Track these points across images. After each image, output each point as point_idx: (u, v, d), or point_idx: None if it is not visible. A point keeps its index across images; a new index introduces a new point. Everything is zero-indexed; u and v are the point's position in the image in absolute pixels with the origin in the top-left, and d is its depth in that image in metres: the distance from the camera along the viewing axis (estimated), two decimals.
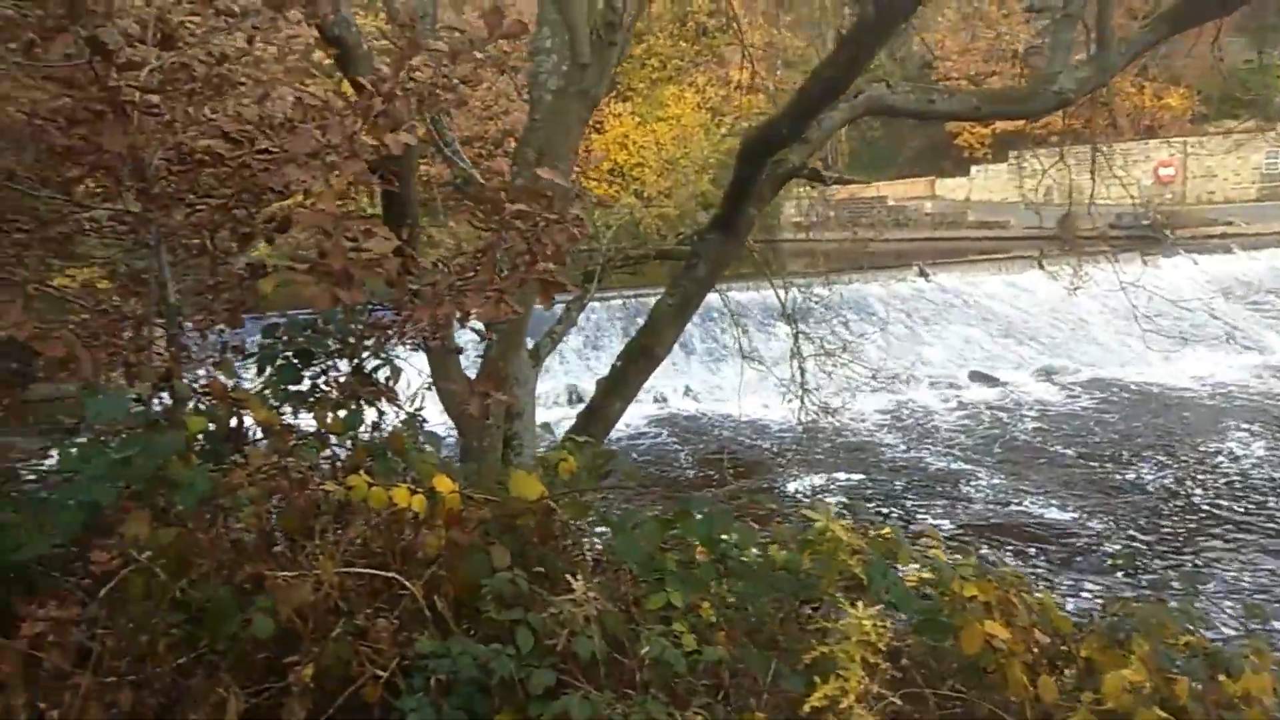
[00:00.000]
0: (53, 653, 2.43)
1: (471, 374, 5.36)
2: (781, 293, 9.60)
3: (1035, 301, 23.98)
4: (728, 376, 18.05)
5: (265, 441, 3.17)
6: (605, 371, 6.67)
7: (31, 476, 3.26)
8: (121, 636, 2.43)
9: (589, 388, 15.58)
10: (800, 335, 9.19)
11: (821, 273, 13.21)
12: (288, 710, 2.31)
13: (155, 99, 2.99)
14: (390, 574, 2.69)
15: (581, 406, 10.84)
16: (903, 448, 15.52)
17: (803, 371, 9.03)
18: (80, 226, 3.85)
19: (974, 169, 45.99)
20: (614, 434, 6.92)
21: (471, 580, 2.81)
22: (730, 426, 16.50)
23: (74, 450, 2.96)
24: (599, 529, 3.34)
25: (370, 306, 3.68)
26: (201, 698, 2.44)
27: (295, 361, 3.53)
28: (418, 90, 3.32)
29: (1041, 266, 24.75)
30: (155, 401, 3.06)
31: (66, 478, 3.07)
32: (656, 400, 17.23)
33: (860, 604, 2.51)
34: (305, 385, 3.48)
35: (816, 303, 10.55)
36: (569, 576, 2.62)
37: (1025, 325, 23.32)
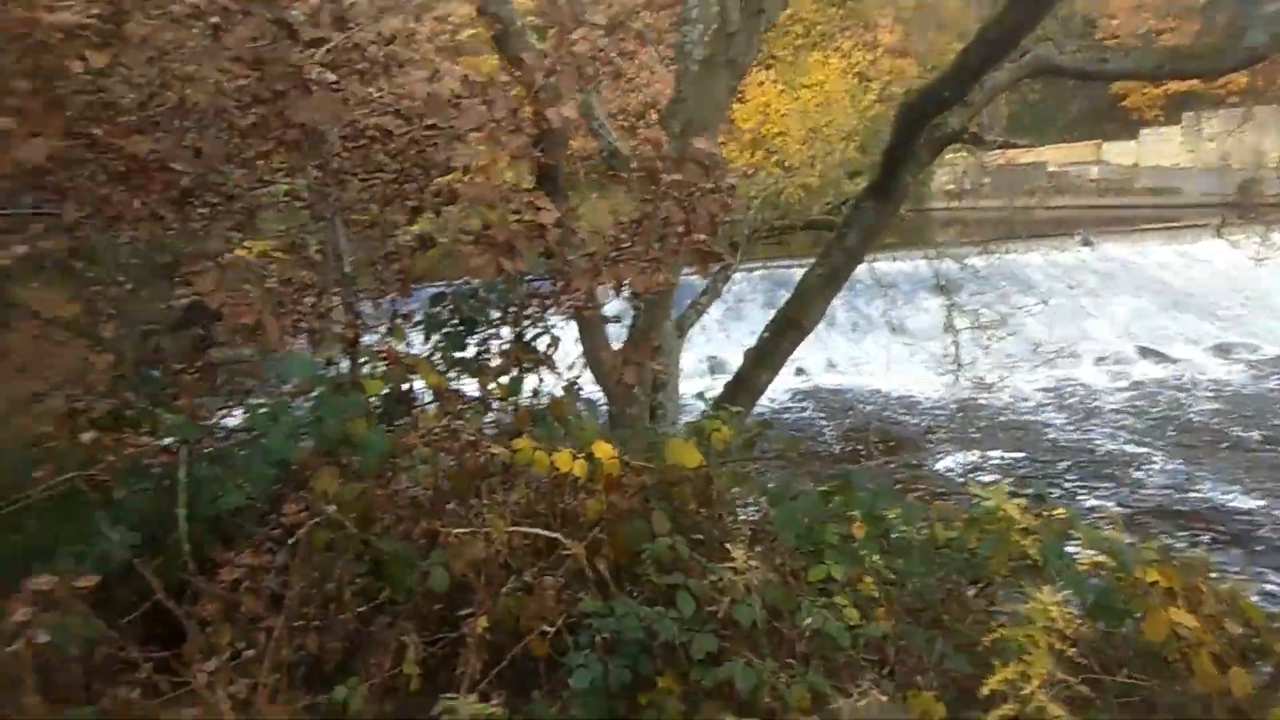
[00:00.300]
0: (248, 597, 2.63)
1: (613, 344, 5.43)
2: (934, 263, 9.27)
3: (1212, 272, 22.21)
4: (871, 349, 17.60)
5: (434, 405, 3.32)
6: (746, 342, 6.63)
7: (222, 434, 3.51)
8: (310, 585, 2.59)
9: (729, 358, 15.52)
10: (954, 308, 8.85)
11: (976, 242, 12.64)
12: (464, 660, 2.42)
13: (333, 77, 3.14)
14: (554, 535, 2.77)
15: (721, 377, 10.79)
16: (1065, 427, 14.72)
17: (956, 346, 8.70)
18: (261, 201, 4.10)
19: (1143, 132, 42.87)
20: (755, 405, 6.86)
21: (631, 544, 2.86)
22: (875, 400, 16.10)
23: (264, 411, 3.17)
24: (750, 499, 3.34)
25: (529, 277, 3.77)
26: (382, 644, 2.59)
27: (460, 329, 3.67)
28: (577, 64, 3.36)
29: (1220, 235, 22.91)
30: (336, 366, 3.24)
31: (257, 435, 3.30)
32: (798, 372, 17.01)
33: (1045, 588, 2.40)
34: (470, 352, 3.62)
35: (971, 274, 10.11)
36: (728, 545, 2.62)
37: (1200, 298, 21.65)
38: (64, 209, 3.10)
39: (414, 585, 2.64)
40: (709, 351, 17.32)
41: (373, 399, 3.17)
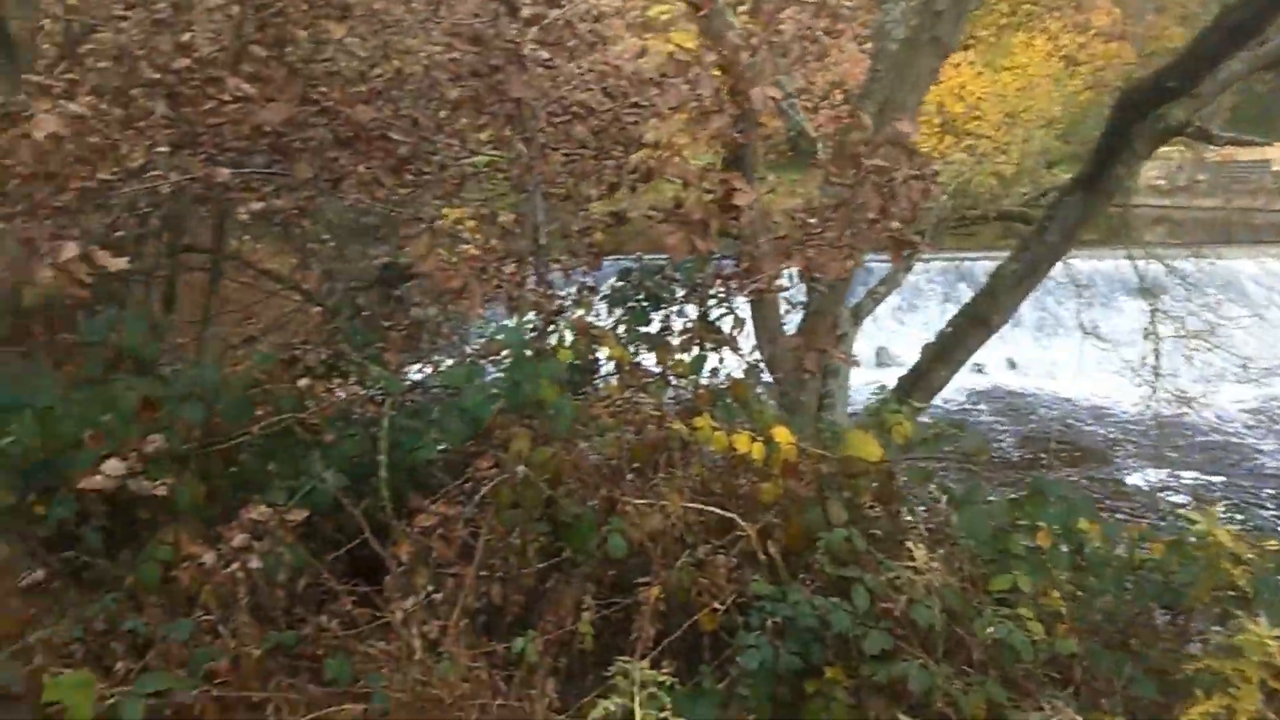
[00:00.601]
0: (440, 544, 2.79)
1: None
2: (1137, 264, 8.62)
3: None
4: (1057, 352, 16.61)
5: (616, 377, 3.40)
6: (919, 336, 6.40)
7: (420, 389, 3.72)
8: (497, 538, 2.73)
9: (899, 351, 15.03)
10: (1157, 313, 8.22)
11: (1186, 244, 11.65)
12: (638, 626, 2.48)
13: (545, 54, 3.25)
14: (729, 515, 2.79)
15: (890, 370, 10.43)
16: (1273, 452, 13.44)
17: (1157, 354, 8.08)
18: (467, 171, 4.30)
19: None
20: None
21: (805, 532, 2.84)
22: (1059, 406, 15.20)
23: (460, 371, 3.35)
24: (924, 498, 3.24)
25: (716, 256, 3.79)
26: (559, 601, 2.69)
27: (645, 305, 3.73)
28: (782, 44, 3.33)
29: None
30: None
31: (452, 393, 3.49)
32: (977, 370, 16.29)
33: (1261, 620, 2.23)
34: (653, 328, 3.68)
35: (1178, 278, 9.35)
36: (909, 544, 2.56)
37: None
38: (296, 169, 3.35)
39: (592, 549, 2.73)
40: (879, 343, 16.85)
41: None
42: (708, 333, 3.52)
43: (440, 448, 3.17)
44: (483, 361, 3.63)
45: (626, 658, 2.40)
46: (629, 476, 2.97)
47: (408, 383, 3.43)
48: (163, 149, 3.06)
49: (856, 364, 4.74)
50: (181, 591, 2.87)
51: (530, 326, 3.30)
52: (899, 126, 3.46)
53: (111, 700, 2.36)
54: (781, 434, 2.95)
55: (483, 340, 3.82)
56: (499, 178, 4.32)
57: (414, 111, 3.89)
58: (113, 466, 2.86)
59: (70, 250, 2.59)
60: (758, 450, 2.91)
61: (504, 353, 3.56)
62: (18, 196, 3.68)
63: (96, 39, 5.45)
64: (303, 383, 3.36)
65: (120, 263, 2.71)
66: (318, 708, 2.45)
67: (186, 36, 3.49)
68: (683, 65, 3.25)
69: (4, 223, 3.42)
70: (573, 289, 3.99)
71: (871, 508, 3.03)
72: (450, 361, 4.02)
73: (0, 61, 6.20)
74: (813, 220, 3.52)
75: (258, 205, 3.34)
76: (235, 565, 2.76)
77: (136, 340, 3.42)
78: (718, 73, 3.36)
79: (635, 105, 3.43)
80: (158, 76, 3.69)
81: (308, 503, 3.06)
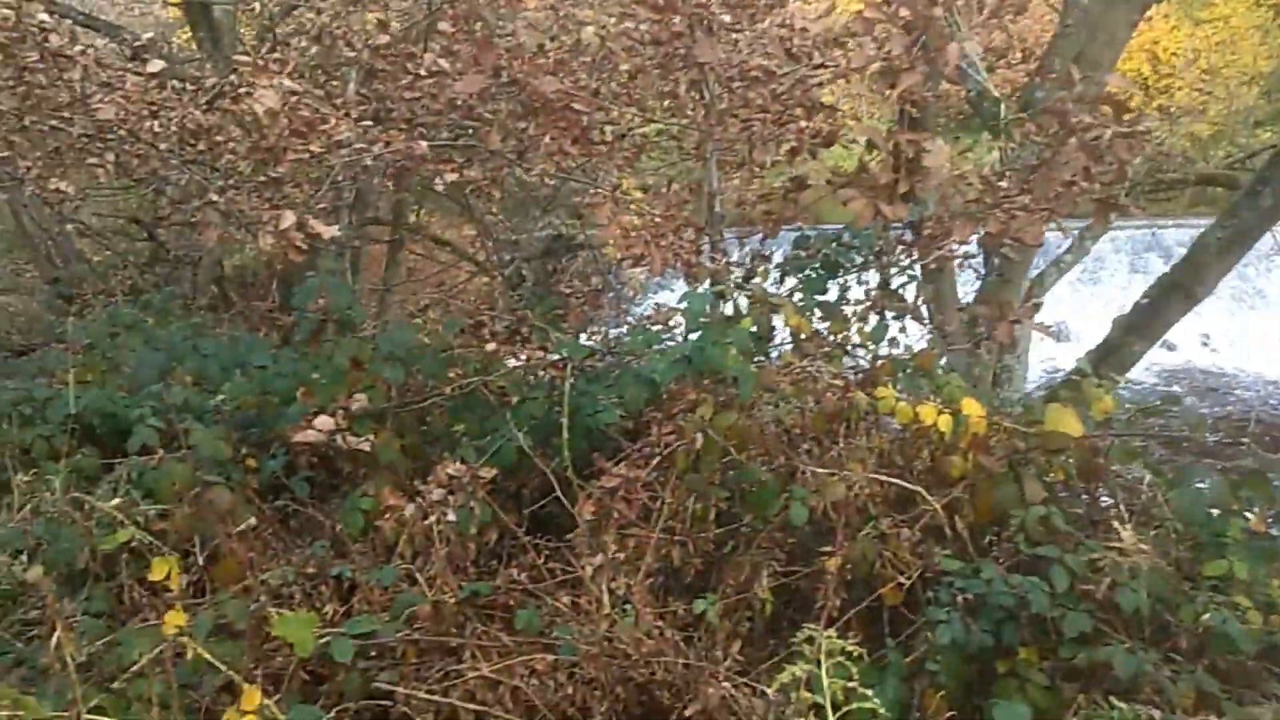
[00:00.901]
0: (622, 505, 2.86)
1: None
2: None
3: None
4: (1259, 328, 15.27)
5: (793, 345, 3.36)
6: (1102, 309, 6.00)
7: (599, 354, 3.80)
8: (678, 501, 2.76)
9: (1079, 326, 14.17)
10: None
11: None
12: (822, 595, 2.47)
13: (728, 18, 3.22)
14: (914, 488, 2.72)
15: (1068, 346, 9.82)
16: None
17: None
18: (643, 141, 4.34)
19: None
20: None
21: (994, 508, 2.74)
22: (1259, 387, 13.98)
23: (642, 337, 3.40)
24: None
25: (896, 224, 3.68)
26: (738, 566, 2.71)
27: (822, 273, 3.67)
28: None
29: None
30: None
31: (628, 358, 3.55)
32: (1167, 347, 15.15)
33: None
34: (831, 296, 3.61)
35: None
36: (1115, 524, 2.43)
37: None
38: (487, 140, 3.46)
39: (771, 516, 2.72)
40: (1057, 315, 15.94)
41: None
42: (890, 300, 3.43)
43: (620, 412, 3.24)
44: (656, 328, 3.68)
45: (809, 625, 2.39)
46: (807, 446, 2.95)
47: (588, 348, 3.51)
48: (366, 123, 3.22)
49: (1055, 336, 4.49)
50: (381, 540, 3.07)
51: (719, 295, 3.31)
52: (1106, 81, 3.25)
53: (323, 640, 2.54)
54: (971, 406, 2.85)
55: (656, 308, 3.87)
56: (671, 146, 4.34)
57: (594, 81, 3.95)
58: (324, 422, 3.07)
59: (289, 219, 2.78)
60: (944, 423, 2.82)
61: (675, 320, 3.60)
62: (227, 171, 3.98)
63: (296, 19, 5.80)
64: (489, 347, 3.50)
65: (333, 230, 2.89)
66: (509, 655, 2.56)
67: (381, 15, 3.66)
68: (870, 23, 3.14)
69: (217, 195, 3.71)
70: (744, 257, 3.98)
71: (1067, 485, 2.89)
72: (618, 330, 4.10)
73: (207, 45, 6.70)
74: (1003, 183, 3.36)
75: (452, 176, 3.49)
76: (433, 518, 2.92)
77: (342, 305, 3.64)
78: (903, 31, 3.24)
79: (819, 66, 3.35)
80: (354, 54, 3.90)
81: (497, 460, 3.20)
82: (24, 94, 4.53)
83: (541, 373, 3.44)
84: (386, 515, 3.00)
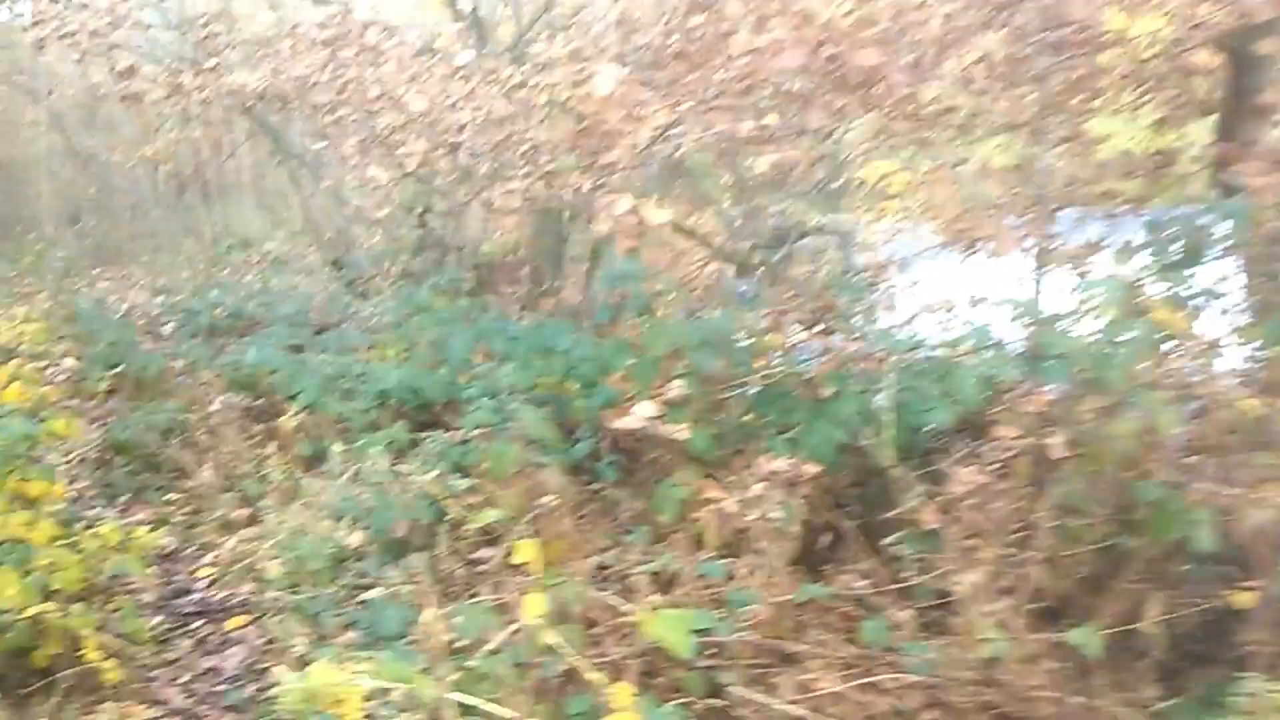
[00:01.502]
0: (972, 514, 2.60)
1: None
2: None
3: None
4: None
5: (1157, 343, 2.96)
6: None
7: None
8: (1049, 515, 2.47)
9: None
10: None
11: None
12: (1241, 634, 2.12)
13: None
14: None
15: None
16: None
17: None
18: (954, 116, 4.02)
19: None
20: None
21: None
22: None
23: (972, 332, 3.13)
24: None
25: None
26: (1119, 593, 2.39)
27: (1181, 260, 3.23)
28: None
29: None
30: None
31: (957, 355, 3.28)
32: None
33: None
34: (1194, 288, 3.17)
35: None
36: None
37: None
38: (808, 118, 3.29)
39: (1164, 540, 2.39)
40: None
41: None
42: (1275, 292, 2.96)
43: (955, 412, 2.98)
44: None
45: (1222, 670, 2.07)
46: (1193, 459, 2.57)
47: (912, 341, 3.27)
48: (687, 104, 3.13)
49: None
50: (695, 531, 2.97)
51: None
52: None
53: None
54: None
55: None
56: (987, 120, 4.00)
57: (909, 55, 3.68)
58: (644, 409, 3.01)
59: (624, 204, 2.73)
60: None
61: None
62: (525, 158, 4.02)
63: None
64: (800, 335, 3.34)
65: (665, 215, 2.81)
66: (855, 670, 2.39)
67: None
68: None
69: (520, 183, 3.73)
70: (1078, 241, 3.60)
71: None
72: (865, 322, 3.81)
73: (475, 42, 6.98)
74: None
75: (772, 156, 3.34)
76: (757, 514, 2.79)
77: (639, 289, 3.59)
78: None
79: (1194, 27, 2.92)
80: (662, 39, 3.83)
81: (814, 457, 3.03)
82: (339, 87, 4.79)
83: (859, 366, 3.24)
84: (706, 507, 2.90)
